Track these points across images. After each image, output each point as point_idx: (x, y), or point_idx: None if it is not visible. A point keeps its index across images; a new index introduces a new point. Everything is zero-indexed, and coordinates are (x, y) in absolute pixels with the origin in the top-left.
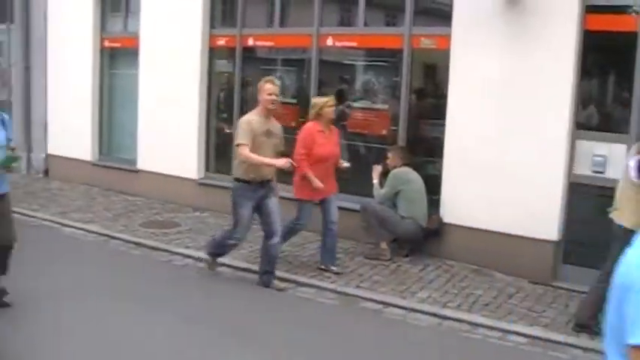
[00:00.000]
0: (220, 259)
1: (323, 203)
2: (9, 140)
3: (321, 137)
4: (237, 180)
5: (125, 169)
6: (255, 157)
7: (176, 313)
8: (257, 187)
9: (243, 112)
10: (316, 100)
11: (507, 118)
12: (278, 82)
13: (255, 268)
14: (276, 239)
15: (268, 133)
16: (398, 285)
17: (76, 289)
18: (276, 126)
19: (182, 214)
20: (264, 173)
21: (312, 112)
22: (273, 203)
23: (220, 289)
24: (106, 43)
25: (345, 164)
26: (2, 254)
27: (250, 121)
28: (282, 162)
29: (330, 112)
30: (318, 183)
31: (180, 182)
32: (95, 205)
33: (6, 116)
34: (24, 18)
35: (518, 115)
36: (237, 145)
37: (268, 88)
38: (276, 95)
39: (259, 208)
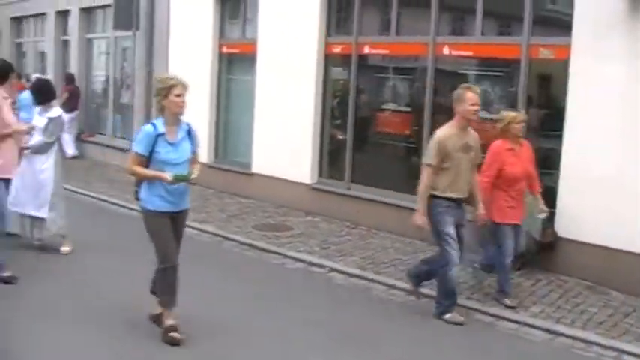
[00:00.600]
0: (332, 264)
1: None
2: (193, 153)
3: (510, 156)
4: (434, 197)
5: (239, 172)
6: (424, 185)
7: (291, 315)
8: (454, 205)
9: (357, 119)
10: (504, 114)
11: (631, 131)
12: (478, 90)
13: (368, 275)
14: (454, 268)
15: (466, 148)
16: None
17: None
18: (473, 138)
19: (294, 217)
20: (463, 189)
21: (498, 127)
22: (465, 228)
23: (332, 294)
24: (225, 49)
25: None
26: (171, 275)
27: (444, 139)
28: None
29: (517, 128)
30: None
31: (293, 187)
32: (209, 206)
33: (193, 128)
34: (148, 25)
35: None
36: (424, 165)
37: (471, 98)
38: (478, 105)
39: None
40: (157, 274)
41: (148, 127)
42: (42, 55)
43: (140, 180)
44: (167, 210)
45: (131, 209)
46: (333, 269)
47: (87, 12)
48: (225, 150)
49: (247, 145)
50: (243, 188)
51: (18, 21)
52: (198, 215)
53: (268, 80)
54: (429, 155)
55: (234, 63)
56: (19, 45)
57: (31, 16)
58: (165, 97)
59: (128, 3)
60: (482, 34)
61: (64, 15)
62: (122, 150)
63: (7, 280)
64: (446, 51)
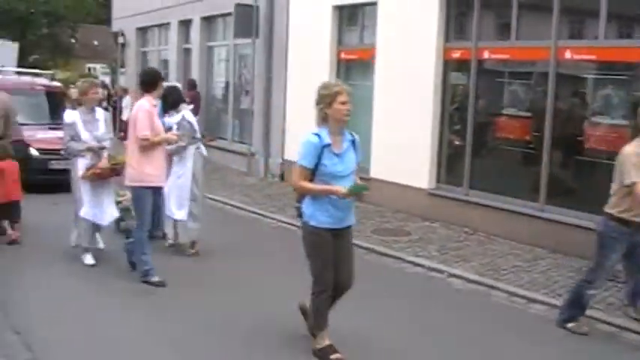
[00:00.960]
0: (451, 270)
1: None
2: (357, 164)
3: None
4: (612, 217)
5: (360, 177)
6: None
7: (412, 320)
8: (636, 230)
9: (476, 124)
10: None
11: None
12: None
13: (487, 281)
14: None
15: None
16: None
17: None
18: None
19: (412, 223)
20: None
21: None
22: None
23: (451, 300)
24: (343, 55)
25: None
26: (325, 301)
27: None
28: None
29: None
30: None
31: (411, 192)
32: None
33: (357, 137)
34: (268, 33)
35: None
36: (633, 184)
37: None
38: None
39: (630, 255)
40: (312, 296)
41: (313, 138)
42: (165, 63)
43: (302, 195)
44: (331, 227)
45: (255, 213)
46: (451, 274)
47: (208, 21)
48: None
49: (365, 150)
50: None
51: (143, 31)
52: None
53: (387, 86)
54: (633, 171)
55: (352, 69)
56: (144, 54)
57: (155, 26)
58: (329, 105)
59: (248, 12)
60: (606, 37)
61: (186, 24)
62: (241, 154)
63: (157, 285)
64: (568, 55)
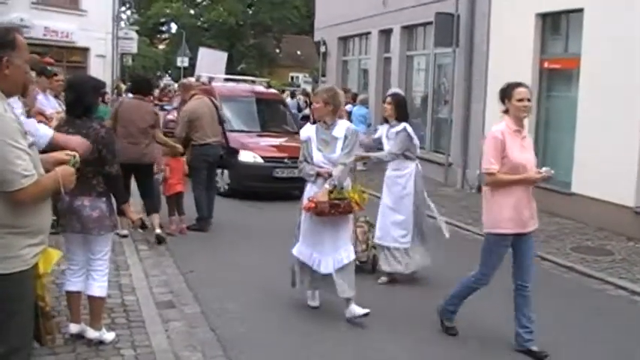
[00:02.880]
0: (620, 282)
1: None
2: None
3: None
4: None
5: (559, 192)
6: None
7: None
8: None
9: None
10: None
11: None
12: None
13: None
14: None
15: None
16: None
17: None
18: None
19: (615, 242)
20: None
21: None
22: None
23: None
24: (546, 65)
25: None
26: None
27: None
28: None
29: None
30: None
31: (614, 209)
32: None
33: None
34: (468, 42)
35: None
36: None
37: None
38: None
39: None
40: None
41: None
42: (365, 72)
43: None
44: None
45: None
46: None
47: (408, 30)
48: (544, 167)
49: (567, 163)
50: (561, 208)
51: (344, 40)
52: None
53: (591, 96)
54: None
55: (555, 79)
56: (345, 62)
57: (356, 35)
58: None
59: (449, 20)
60: None
61: (386, 33)
62: (438, 164)
63: (449, 331)
64: None
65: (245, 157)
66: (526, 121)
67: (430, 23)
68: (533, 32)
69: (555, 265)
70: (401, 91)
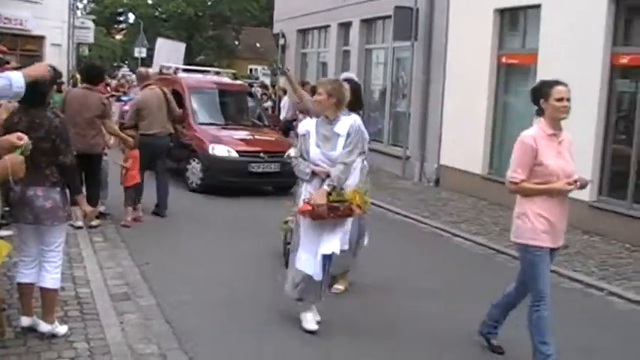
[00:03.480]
0: (611, 288)
1: None
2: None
3: None
4: None
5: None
6: None
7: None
8: None
9: None
10: None
11: None
12: None
13: None
14: None
15: None
16: None
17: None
18: None
19: (570, 235)
20: None
21: None
22: None
23: (610, 320)
24: (503, 60)
25: None
26: None
27: None
28: None
29: None
30: None
31: (570, 203)
32: (483, 217)
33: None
34: (427, 35)
35: None
36: None
37: None
38: None
39: None
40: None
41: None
42: (324, 65)
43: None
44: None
45: (408, 217)
46: (611, 293)
47: (367, 23)
48: (501, 161)
49: None
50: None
51: (303, 33)
52: (472, 227)
53: None
54: None
55: (513, 74)
56: (304, 55)
57: (315, 28)
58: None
59: (407, 14)
60: None
61: (346, 26)
62: (396, 157)
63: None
64: None
65: (219, 151)
66: (482, 117)
67: (389, 17)
68: (492, 27)
69: (511, 257)
70: (354, 76)
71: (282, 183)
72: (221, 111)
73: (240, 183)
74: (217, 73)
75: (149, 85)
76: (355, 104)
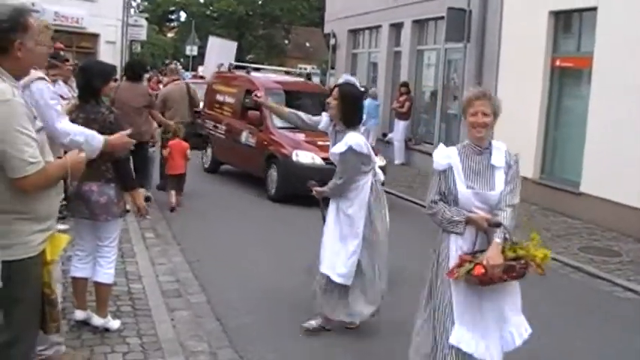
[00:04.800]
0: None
1: None
2: None
3: None
4: None
5: (567, 191)
6: None
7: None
8: None
9: None
10: None
11: None
12: None
13: None
14: None
15: None
16: None
17: None
18: None
19: (623, 243)
20: None
21: None
22: None
23: None
24: (557, 63)
25: None
26: None
27: None
28: None
29: None
30: None
31: (623, 210)
32: (534, 222)
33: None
34: (479, 38)
35: None
36: None
37: None
38: None
39: None
40: None
41: None
42: (374, 66)
43: None
44: None
45: None
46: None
47: (419, 24)
48: (553, 166)
49: (577, 162)
50: (569, 207)
51: (354, 33)
52: (523, 232)
53: (604, 96)
54: None
55: (567, 77)
56: (354, 55)
57: (366, 28)
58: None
59: (460, 15)
60: None
61: (397, 27)
62: None
63: None
64: None
65: (303, 157)
66: (535, 120)
67: (441, 18)
68: (546, 30)
69: (563, 264)
70: (354, 80)
71: None
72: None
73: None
74: (287, 73)
75: (175, 79)
76: (348, 117)
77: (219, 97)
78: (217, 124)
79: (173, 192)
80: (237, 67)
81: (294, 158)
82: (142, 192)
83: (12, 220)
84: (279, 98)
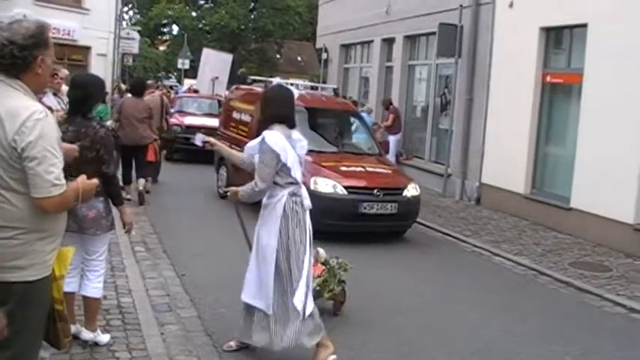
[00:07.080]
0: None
1: None
2: None
3: None
4: None
5: (557, 206)
6: None
7: None
8: None
9: None
10: None
11: None
12: None
13: None
14: None
15: None
16: None
17: (507, 321)
18: None
19: (613, 258)
20: None
21: None
22: None
23: None
24: (548, 78)
25: None
26: None
27: None
28: None
29: None
30: None
31: (613, 225)
32: (524, 238)
33: None
34: (471, 52)
35: None
36: None
37: None
38: None
39: None
40: None
41: None
42: (366, 80)
43: None
44: None
45: (449, 235)
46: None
47: (411, 39)
48: (543, 181)
49: (567, 177)
50: (559, 222)
51: (346, 48)
52: (513, 246)
53: (595, 112)
54: None
55: (557, 93)
56: (346, 70)
57: (358, 43)
58: None
59: (452, 31)
60: None
61: (389, 42)
62: (437, 174)
63: None
64: None
65: (323, 186)
66: (526, 136)
67: (433, 33)
68: (537, 46)
69: (552, 279)
70: (282, 82)
71: (398, 227)
72: (323, 135)
73: (347, 227)
74: (313, 88)
75: (152, 92)
76: (264, 119)
77: (236, 115)
78: (232, 146)
79: (142, 180)
80: (255, 81)
81: (312, 187)
82: (142, 182)
83: (34, 241)
84: (300, 117)
